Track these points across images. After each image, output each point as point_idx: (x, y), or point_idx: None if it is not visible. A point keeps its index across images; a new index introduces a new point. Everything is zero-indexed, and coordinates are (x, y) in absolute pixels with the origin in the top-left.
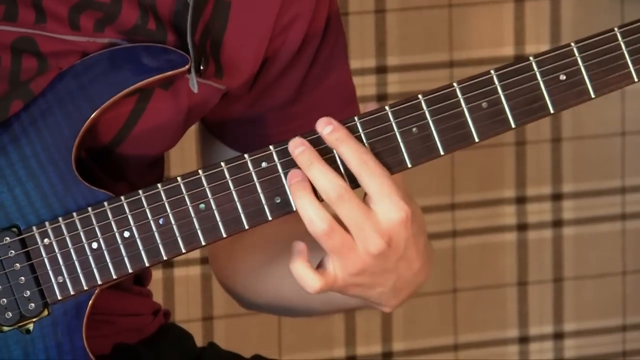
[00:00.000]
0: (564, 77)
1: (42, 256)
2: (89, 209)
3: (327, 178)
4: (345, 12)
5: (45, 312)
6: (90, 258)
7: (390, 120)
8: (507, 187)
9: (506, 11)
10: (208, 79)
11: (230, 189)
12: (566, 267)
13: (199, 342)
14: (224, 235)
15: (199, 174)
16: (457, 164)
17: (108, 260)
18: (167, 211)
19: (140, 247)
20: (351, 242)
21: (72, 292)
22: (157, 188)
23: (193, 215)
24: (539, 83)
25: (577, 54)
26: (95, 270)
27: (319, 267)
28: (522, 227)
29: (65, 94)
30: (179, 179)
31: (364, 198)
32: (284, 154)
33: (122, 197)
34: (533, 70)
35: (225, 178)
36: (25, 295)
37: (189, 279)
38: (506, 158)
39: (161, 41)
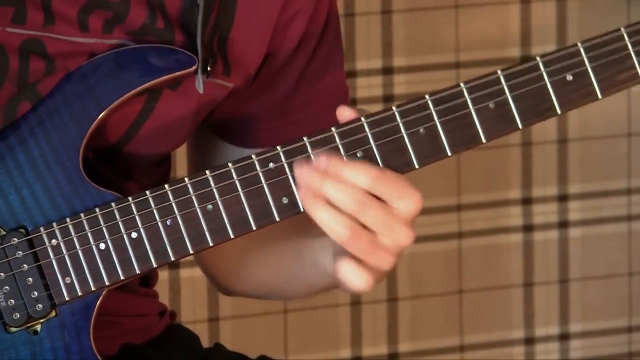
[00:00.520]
0: (571, 78)
1: (49, 257)
2: (97, 209)
3: (343, 192)
4: (351, 12)
5: (53, 313)
6: (98, 259)
7: (397, 121)
8: (513, 188)
9: (512, 12)
10: (216, 78)
11: (237, 189)
12: (572, 268)
13: (205, 343)
14: (232, 236)
15: (206, 174)
16: (463, 165)
17: (116, 261)
18: (174, 212)
19: (148, 248)
20: (378, 240)
21: (79, 293)
22: (165, 189)
23: (201, 216)
24: (546, 83)
25: (583, 54)
26: (102, 271)
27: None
28: (528, 228)
29: (73, 94)
30: (186, 179)
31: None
32: (292, 154)
33: (130, 198)
34: (540, 70)
35: (233, 179)
36: (32, 296)
37: (195, 280)
38: (512, 159)
39: (169, 40)
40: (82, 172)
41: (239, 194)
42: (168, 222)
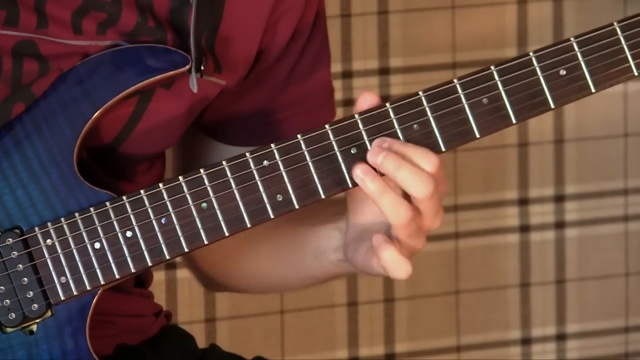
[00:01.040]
0: (564, 72)
1: (44, 257)
2: (91, 209)
3: (418, 178)
4: (347, 13)
5: (49, 313)
6: (93, 258)
7: (391, 117)
8: (510, 188)
9: (509, 13)
10: (209, 75)
11: (232, 187)
12: (569, 269)
13: (202, 343)
14: (227, 234)
15: (200, 172)
16: (460, 165)
17: (111, 260)
18: (169, 210)
19: (143, 247)
20: (423, 225)
21: (75, 293)
22: (159, 187)
23: (195, 214)
24: (539, 78)
25: (576, 48)
26: (98, 271)
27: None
28: (524, 229)
29: (67, 95)
30: (180, 178)
31: None
32: (285, 151)
33: (124, 197)
34: (533, 65)
35: (227, 176)
36: (28, 296)
37: (192, 281)
38: (509, 159)
39: (162, 39)
40: (77, 172)
41: (233, 192)
42: (162, 221)
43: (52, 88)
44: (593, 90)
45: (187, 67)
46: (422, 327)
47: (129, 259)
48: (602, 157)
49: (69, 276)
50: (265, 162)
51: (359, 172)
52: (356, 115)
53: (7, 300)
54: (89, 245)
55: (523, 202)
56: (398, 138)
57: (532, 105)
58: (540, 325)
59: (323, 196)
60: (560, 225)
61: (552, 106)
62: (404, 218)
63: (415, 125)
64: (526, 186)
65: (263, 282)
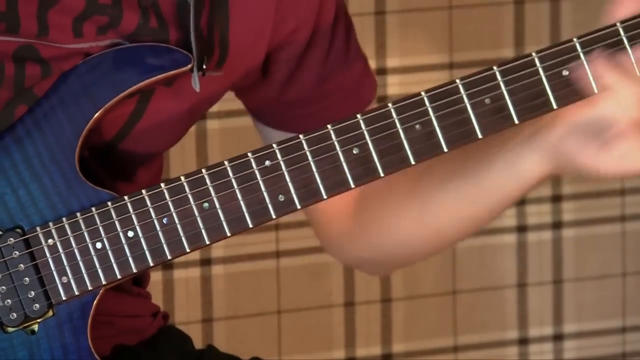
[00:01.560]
0: (567, 73)
1: (46, 257)
2: (93, 209)
3: None
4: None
5: (50, 313)
6: (95, 258)
7: (393, 117)
8: None
9: (506, 13)
10: (210, 71)
11: (233, 187)
12: (566, 269)
13: (199, 344)
14: (228, 235)
15: (202, 172)
16: None
17: (112, 260)
18: (170, 210)
19: (145, 247)
20: None
21: (76, 293)
22: (161, 187)
23: (197, 214)
24: (541, 79)
25: (579, 49)
26: (99, 271)
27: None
28: (521, 229)
29: (68, 94)
30: (182, 177)
31: None
32: (287, 151)
33: (126, 197)
34: (536, 65)
35: (229, 176)
36: (29, 296)
37: (189, 281)
38: None
39: (164, 39)
40: (78, 171)
41: (234, 192)
42: (164, 221)
43: (54, 88)
44: (596, 91)
45: (189, 66)
46: (419, 328)
47: (130, 259)
48: None
49: (70, 276)
50: (267, 162)
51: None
52: (358, 116)
53: (9, 300)
54: (90, 245)
55: (520, 202)
56: (400, 139)
57: (535, 106)
58: (538, 326)
59: (325, 197)
60: (557, 225)
61: (555, 107)
62: None
63: (417, 126)
64: None
65: (449, 229)
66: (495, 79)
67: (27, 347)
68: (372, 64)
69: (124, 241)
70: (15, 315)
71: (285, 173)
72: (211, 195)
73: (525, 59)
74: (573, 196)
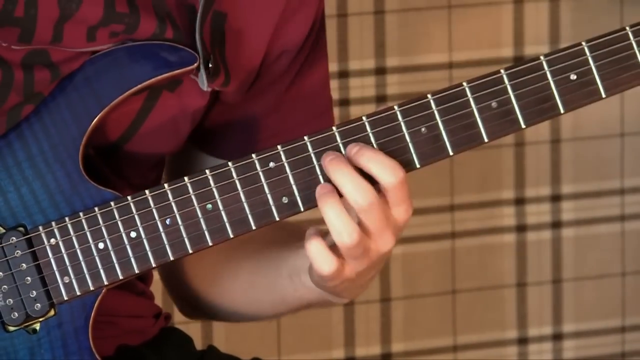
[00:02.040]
0: (575, 77)
1: (48, 256)
2: (96, 208)
3: (359, 186)
4: (344, 13)
5: (52, 312)
6: (97, 258)
7: (399, 120)
8: (506, 188)
9: (505, 12)
10: (218, 87)
11: (237, 189)
12: (565, 268)
13: (199, 344)
14: (231, 236)
15: (205, 173)
16: (457, 164)
17: (115, 260)
18: (174, 211)
19: (147, 248)
20: (369, 247)
21: (78, 293)
22: (164, 188)
23: (200, 215)
24: (549, 83)
25: (588, 53)
26: (101, 271)
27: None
28: (521, 228)
29: (73, 92)
30: (185, 178)
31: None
32: (292, 153)
33: (129, 197)
34: (543, 69)
35: (233, 178)
36: (31, 295)
37: None
38: (505, 159)
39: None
40: (82, 170)
41: (238, 193)
42: (167, 222)
43: (60, 86)
44: (604, 96)
45: (195, 65)
46: (418, 327)
47: (132, 259)
48: (598, 157)
49: (72, 276)
50: (272, 164)
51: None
52: (364, 118)
53: (10, 300)
54: (92, 245)
55: (519, 201)
56: (405, 141)
57: (542, 110)
58: (537, 325)
59: None
60: (556, 224)
61: (562, 111)
62: (346, 238)
63: (423, 129)
64: (522, 186)
65: (240, 307)
66: (503, 82)
67: (28, 346)
68: (372, 63)
69: (126, 242)
70: (16, 314)
71: (290, 175)
72: (215, 197)
73: (533, 63)
74: (572, 196)
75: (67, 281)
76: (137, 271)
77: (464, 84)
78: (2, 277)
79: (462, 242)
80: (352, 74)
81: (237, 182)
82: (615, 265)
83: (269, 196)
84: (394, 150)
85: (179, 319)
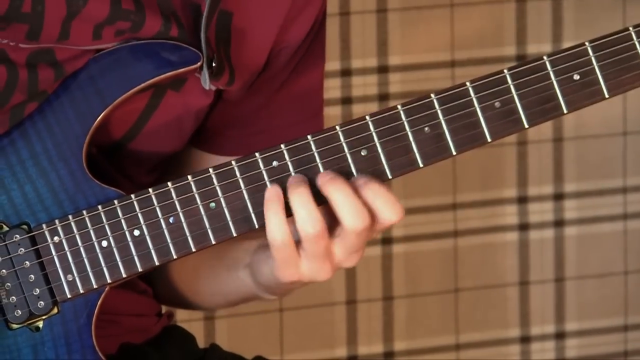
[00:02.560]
0: (578, 77)
1: (51, 254)
2: (99, 206)
3: (307, 216)
4: (346, 11)
5: (55, 310)
6: (100, 256)
7: (402, 119)
8: (509, 186)
9: (508, 11)
10: (223, 86)
11: (240, 187)
12: (568, 267)
13: (201, 342)
14: (234, 234)
15: (209, 172)
16: (459, 163)
17: (118, 258)
18: (177, 209)
19: (150, 246)
20: (332, 251)
21: (81, 291)
22: (167, 186)
23: (203, 213)
24: (552, 82)
25: (591, 53)
26: (105, 269)
27: None
28: (523, 227)
29: (77, 90)
30: (189, 177)
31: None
32: (296, 152)
33: (132, 195)
34: (546, 69)
35: (236, 176)
36: (34, 293)
37: None
38: (508, 158)
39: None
40: (85, 168)
41: (241, 192)
42: (170, 220)
43: (63, 85)
44: (607, 96)
45: (199, 63)
46: (421, 326)
47: (136, 257)
48: (601, 156)
49: (75, 274)
50: (275, 163)
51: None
52: (367, 117)
53: (14, 297)
54: (96, 243)
55: (522, 200)
56: (409, 141)
57: (545, 110)
58: (539, 324)
59: None
60: (559, 223)
61: (565, 111)
62: (313, 229)
63: (426, 128)
64: (525, 184)
65: (185, 294)
66: (506, 82)
67: (31, 344)
68: (374, 61)
69: (129, 240)
70: (19, 312)
71: (293, 174)
72: (218, 195)
73: (536, 63)
74: (575, 194)
75: (70, 279)
76: (140, 269)
77: (467, 83)
78: (5, 275)
79: (464, 240)
80: (354, 73)
81: (240, 180)
82: (617, 263)
83: None
84: (396, 149)
85: (181, 318)
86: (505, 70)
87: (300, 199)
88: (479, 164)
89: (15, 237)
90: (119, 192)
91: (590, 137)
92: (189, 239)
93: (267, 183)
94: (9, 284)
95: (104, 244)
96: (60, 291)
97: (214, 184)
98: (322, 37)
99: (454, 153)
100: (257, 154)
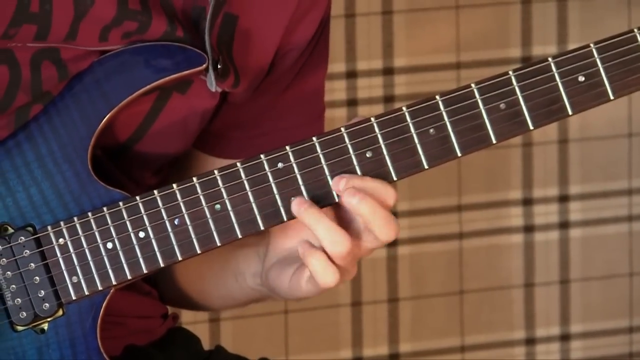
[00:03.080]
0: (583, 79)
1: (56, 256)
2: (104, 208)
3: (390, 224)
4: (352, 13)
5: (60, 312)
6: (105, 258)
7: (407, 121)
8: (514, 188)
9: (513, 13)
10: (229, 88)
11: (246, 189)
12: (573, 269)
13: (206, 344)
14: (239, 236)
15: (214, 174)
16: (464, 165)
17: (123, 260)
18: (182, 211)
19: (156, 248)
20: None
21: (86, 293)
22: (172, 188)
23: (208, 215)
24: (557, 84)
25: (596, 55)
26: (110, 271)
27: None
28: (528, 229)
29: (82, 92)
30: (194, 179)
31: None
32: (301, 154)
33: (138, 197)
34: (552, 71)
35: (241, 178)
36: (39, 295)
37: None
38: (513, 159)
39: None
40: (91, 170)
41: (247, 194)
42: (175, 222)
43: (68, 86)
44: (612, 97)
45: (204, 65)
46: (426, 328)
47: (141, 259)
48: (606, 157)
49: (80, 276)
50: (280, 164)
51: (296, 204)
52: (372, 119)
53: (19, 299)
54: (101, 245)
55: (527, 202)
56: (414, 142)
57: (550, 112)
58: (545, 326)
59: (337, 199)
60: (564, 225)
61: (570, 113)
62: (343, 248)
63: (431, 130)
64: (530, 186)
65: (191, 295)
66: (511, 83)
67: (36, 346)
68: (379, 63)
69: (135, 242)
70: (25, 314)
71: (298, 175)
72: (223, 197)
73: (541, 64)
74: (580, 196)
75: (75, 281)
76: (145, 271)
77: (472, 85)
78: (10, 277)
79: (469, 242)
80: (360, 74)
81: (245, 182)
82: (622, 265)
83: (277, 197)
84: (402, 151)
85: (186, 319)
86: (511, 72)
87: (321, 222)
88: (484, 166)
89: (21, 239)
90: (124, 193)
91: (595, 139)
92: (194, 240)
93: (272, 184)
94: (14, 285)
95: (109, 245)
96: (65, 293)
97: (219, 186)
98: (326, 39)
99: (459, 155)
100: (262, 156)
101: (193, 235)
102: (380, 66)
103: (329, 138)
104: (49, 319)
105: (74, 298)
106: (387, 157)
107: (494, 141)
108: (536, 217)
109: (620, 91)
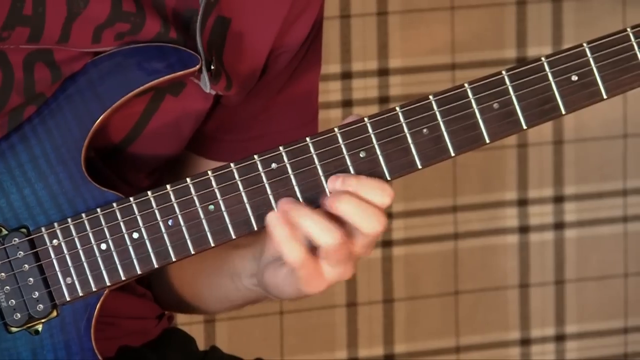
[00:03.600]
0: (576, 78)
1: (50, 257)
2: (98, 209)
3: (374, 217)
4: (347, 14)
5: (54, 313)
6: (99, 259)
7: (400, 121)
8: (509, 189)
9: (508, 13)
10: (220, 90)
11: (239, 190)
12: (568, 270)
13: (201, 344)
14: (233, 237)
15: (208, 174)
16: (459, 166)
17: (117, 261)
18: (176, 212)
19: (150, 249)
20: (353, 249)
21: (80, 294)
22: (166, 189)
23: (202, 216)
24: (550, 84)
25: (589, 54)
26: (104, 272)
27: None
28: (523, 230)
29: (76, 94)
30: (188, 179)
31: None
32: (294, 154)
33: (131, 198)
34: (545, 70)
35: (235, 179)
36: (33, 296)
37: None
38: (508, 160)
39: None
40: (84, 171)
41: (240, 194)
42: (169, 223)
43: (62, 88)
44: (605, 97)
45: (197, 66)
46: (421, 328)
47: (135, 260)
48: (601, 158)
49: (74, 277)
50: (274, 165)
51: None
52: (366, 119)
53: (13, 300)
54: (95, 246)
55: (522, 202)
56: (407, 142)
57: (543, 111)
58: (540, 326)
59: None
60: (559, 226)
61: (563, 112)
62: (334, 240)
63: (424, 130)
64: (525, 187)
65: (186, 299)
66: (504, 83)
67: (30, 347)
68: (375, 64)
69: (128, 243)
70: (19, 315)
71: (292, 176)
72: (217, 198)
73: (534, 64)
74: (575, 197)
75: (69, 282)
76: (139, 272)
77: (466, 85)
78: (4, 278)
79: (464, 243)
80: (355, 75)
81: (239, 183)
82: (617, 266)
83: (271, 197)
84: (395, 151)
85: (181, 320)
86: (504, 72)
87: (307, 217)
88: (479, 167)
89: (14, 241)
90: (117, 195)
91: (590, 139)
92: (188, 241)
93: (266, 185)
94: (7, 287)
95: (103, 246)
96: (59, 294)
97: (212, 187)
98: (319, 42)
99: (453, 154)
100: (255, 156)
101: (187, 236)
102: (376, 67)
103: (323, 138)
104: (43, 320)
105: (68, 299)
106: (380, 157)
107: (488, 141)
108: (531, 217)
109: (613, 90)
